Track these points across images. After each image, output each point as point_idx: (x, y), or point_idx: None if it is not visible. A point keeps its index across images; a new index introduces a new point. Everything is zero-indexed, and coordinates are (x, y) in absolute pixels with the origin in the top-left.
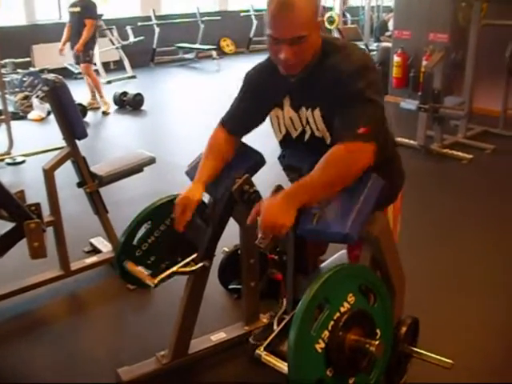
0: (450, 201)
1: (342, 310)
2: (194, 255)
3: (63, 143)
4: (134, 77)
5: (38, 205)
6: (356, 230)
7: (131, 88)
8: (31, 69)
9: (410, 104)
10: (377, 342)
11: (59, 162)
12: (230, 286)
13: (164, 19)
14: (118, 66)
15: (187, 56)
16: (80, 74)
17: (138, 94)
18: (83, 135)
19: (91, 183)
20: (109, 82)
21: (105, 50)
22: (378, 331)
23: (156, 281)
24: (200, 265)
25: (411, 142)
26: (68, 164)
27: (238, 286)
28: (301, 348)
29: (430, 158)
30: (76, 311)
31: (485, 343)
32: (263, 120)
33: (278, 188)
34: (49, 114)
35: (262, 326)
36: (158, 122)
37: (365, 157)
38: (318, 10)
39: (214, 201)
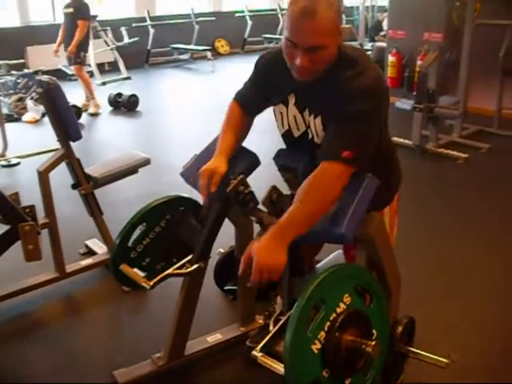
0: (446, 200)
1: (338, 310)
2: (190, 257)
3: (58, 145)
4: (128, 78)
5: (32, 207)
6: (351, 230)
7: (126, 89)
8: (25, 70)
9: (404, 104)
10: (373, 343)
11: (54, 164)
12: (226, 287)
13: (158, 20)
14: (113, 67)
15: (182, 57)
16: (74, 75)
17: (133, 95)
18: (77, 137)
19: (86, 185)
20: (103, 84)
21: (99, 51)
22: (374, 331)
23: (151, 283)
24: (195, 266)
25: (406, 141)
26: (63, 166)
27: (234, 287)
28: (297, 349)
29: (425, 157)
30: (71, 313)
31: (481, 343)
32: (274, 105)
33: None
34: (43, 115)
35: (257, 327)
36: (153, 123)
37: (343, 180)
38: (340, 18)
39: (209, 202)
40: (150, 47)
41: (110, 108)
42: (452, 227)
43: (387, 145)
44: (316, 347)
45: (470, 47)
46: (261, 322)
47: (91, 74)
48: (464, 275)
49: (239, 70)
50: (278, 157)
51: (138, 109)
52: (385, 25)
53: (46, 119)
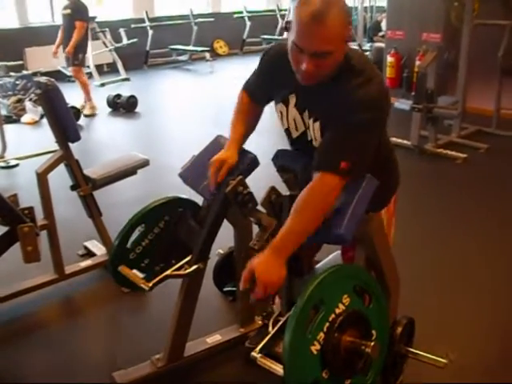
0: (444, 200)
1: (337, 311)
2: (189, 258)
3: (57, 146)
4: (127, 79)
5: (31, 208)
6: (350, 231)
7: (125, 90)
8: (24, 72)
9: (403, 104)
10: (372, 343)
11: (52, 166)
12: (225, 289)
13: (157, 21)
14: (112, 68)
15: (181, 58)
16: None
17: (132, 97)
18: (76, 138)
19: (85, 186)
20: (102, 85)
21: (98, 52)
22: (373, 332)
23: (150, 284)
24: (194, 267)
25: (405, 142)
26: (62, 167)
27: (233, 288)
28: (296, 350)
29: (423, 157)
30: (70, 315)
31: (479, 343)
32: (275, 103)
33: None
34: (42, 117)
35: (257, 327)
36: (152, 124)
37: (338, 190)
38: (349, 24)
39: (208, 203)
40: (149, 48)
41: (109, 109)
42: (451, 227)
43: (386, 145)
44: (315, 348)
45: (468, 47)
46: (260, 322)
47: (90, 75)
48: (463, 275)
49: (238, 71)
50: (277, 157)
51: (137, 110)
52: (383, 25)
53: (45, 120)
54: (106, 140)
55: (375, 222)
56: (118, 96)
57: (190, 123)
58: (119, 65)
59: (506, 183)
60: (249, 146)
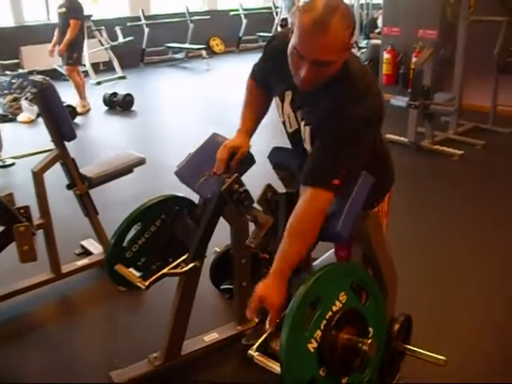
0: (441, 197)
1: (334, 308)
2: (185, 256)
3: (53, 145)
4: (123, 77)
5: (27, 208)
6: (347, 228)
7: (121, 89)
8: (20, 70)
9: (400, 101)
10: (369, 341)
11: (48, 165)
12: (222, 287)
13: (153, 19)
14: (108, 66)
15: (177, 56)
16: None
17: (128, 95)
18: (72, 137)
19: (81, 185)
20: (98, 83)
21: (94, 50)
22: (370, 330)
23: (147, 283)
24: (191, 265)
25: (402, 138)
26: (58, 166)
27: (230, 286)
28: (293, 348)
29: (420, 154)
30: (67, 314)
31: (478, 341)
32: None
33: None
34: (38, 116)
35: (254, 325)
36: (148, 122)
37: (328, 204)
38: (352, 32)
39: (204, 201)
40: (145, 46)
41: (105, 107)
42: (447, 224)
43: (380, 144)
44: (312, 346)
45: (464, 44)
46: (257, 320)
47: (86, 73)
48: (460, 272)
49: (234, 69)
50: (273, 155)
51: (133, 108)
52: (380, 22)
53: (41, 119)
54: (102, 138)
55: (372, 220)
56: (115, 94)
57: (186, 121)
58: (115, 63)
59: (502, 179)
60: None
